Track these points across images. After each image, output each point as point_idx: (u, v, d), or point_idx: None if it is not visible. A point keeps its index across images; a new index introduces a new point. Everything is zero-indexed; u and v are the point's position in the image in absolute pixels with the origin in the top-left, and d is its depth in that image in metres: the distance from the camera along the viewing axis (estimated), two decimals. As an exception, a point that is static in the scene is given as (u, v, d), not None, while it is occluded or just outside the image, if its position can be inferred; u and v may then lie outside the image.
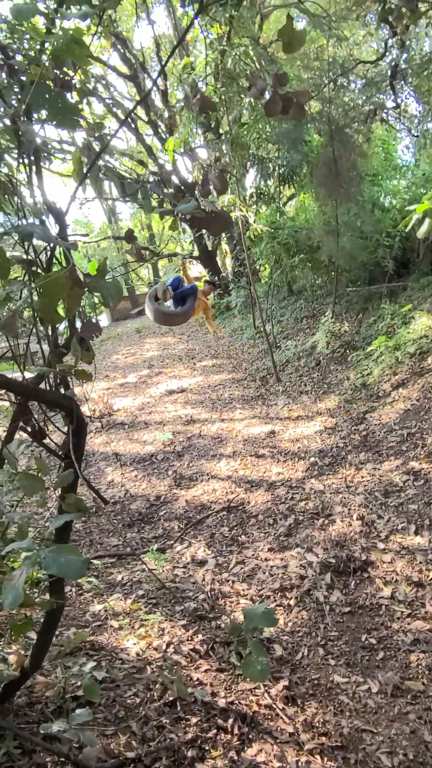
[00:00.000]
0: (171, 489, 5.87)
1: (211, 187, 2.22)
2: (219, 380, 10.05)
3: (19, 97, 1.94)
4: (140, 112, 14.85)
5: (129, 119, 14.01)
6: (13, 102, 1.94)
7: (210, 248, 16.85)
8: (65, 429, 1.78)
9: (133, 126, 14.72)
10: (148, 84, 14.44)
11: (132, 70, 14.30)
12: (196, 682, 2.80)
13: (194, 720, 2.50)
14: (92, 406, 8.57)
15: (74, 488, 1.73)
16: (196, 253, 16.64)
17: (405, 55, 8.45)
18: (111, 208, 23.12)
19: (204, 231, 12.88)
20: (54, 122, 1.69)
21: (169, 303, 5.95)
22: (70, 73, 2.07)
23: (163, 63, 14.63)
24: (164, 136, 14.82)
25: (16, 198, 2.02)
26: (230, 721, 2.53)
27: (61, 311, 1.60)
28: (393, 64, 8.31)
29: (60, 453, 1.82)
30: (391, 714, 2.65)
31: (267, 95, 1.98)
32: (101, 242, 21.41)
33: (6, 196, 2.11)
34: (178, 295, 5.82)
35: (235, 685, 2.83)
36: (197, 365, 11.48)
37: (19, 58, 2.08)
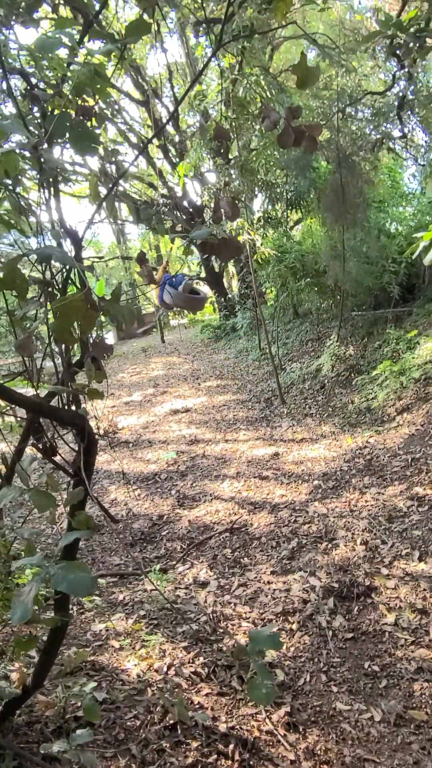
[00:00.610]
0: (174, 509, 5.86)
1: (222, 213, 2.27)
2: (223, 401, 10.07)
3: (38, 123, 2.01)
4: (151, 135, 15.18)
5: (141, 143, 14.32)
6: (33, 128, 2.02)
7: (217, 270, 17.05)
8: (74, 446, 1.81)
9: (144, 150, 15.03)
10: (161, 110, 14.78)
11: (144, 95, 14.66)
12: (197, 706, 2.78)
13: (195, 744, 2.47)
14: (97, 423, 8.59)
15: (83, 506, 1.75)
16: (203, 274, 16.84)
17: (412, 87, 8.62)
18: (120, 229, 23.46)
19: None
20: (74, 149, 1.76)
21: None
22: (90, 101, 2.15)
23: (175, 91, 15.01)
24: (174, 160, 15.12)
25: (32, 218, 2.08)
26: (231, 746, 2.50)
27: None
28: (400, 95, 8.48)
29: (70, 470, 1.84)
30: (394, 744, 2.61)
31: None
32: (109, 262, 21.68)
33: (22, 217, 2.18)
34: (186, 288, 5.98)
35: (236, 709, 2.80)
36: (202, 385, 11.52)
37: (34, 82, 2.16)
